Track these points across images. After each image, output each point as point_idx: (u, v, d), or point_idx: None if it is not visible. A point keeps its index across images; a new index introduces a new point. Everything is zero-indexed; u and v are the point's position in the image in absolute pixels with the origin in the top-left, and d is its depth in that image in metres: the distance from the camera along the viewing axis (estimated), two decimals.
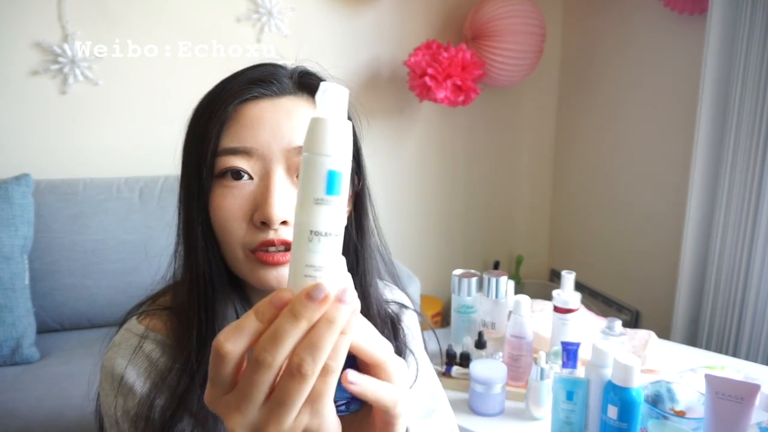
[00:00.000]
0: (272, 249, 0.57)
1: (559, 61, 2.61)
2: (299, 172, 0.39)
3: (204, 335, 0.59)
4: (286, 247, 0.57)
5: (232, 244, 0.58)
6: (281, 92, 0.60)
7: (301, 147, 0.57)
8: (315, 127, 0.37)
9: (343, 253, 0.66)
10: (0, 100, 1.84)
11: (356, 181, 0.66)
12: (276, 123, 0.58)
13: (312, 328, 0.35)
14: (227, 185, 0.58)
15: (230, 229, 0.58)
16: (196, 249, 0.60)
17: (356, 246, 0.66)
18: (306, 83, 0.62)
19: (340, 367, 0.36)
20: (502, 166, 2.66)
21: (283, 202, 0.56)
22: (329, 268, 0.37)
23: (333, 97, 0.37)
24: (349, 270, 0.66)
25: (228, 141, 0.57)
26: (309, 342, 0.35)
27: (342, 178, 0.37)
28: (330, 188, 0.36)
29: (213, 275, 0.60)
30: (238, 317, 0.61)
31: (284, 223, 0.57)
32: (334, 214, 0.37)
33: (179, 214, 0.63)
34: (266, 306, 0.36)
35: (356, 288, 0.65)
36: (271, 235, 0.57)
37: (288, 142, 0.57)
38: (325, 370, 0.36)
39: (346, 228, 0.64)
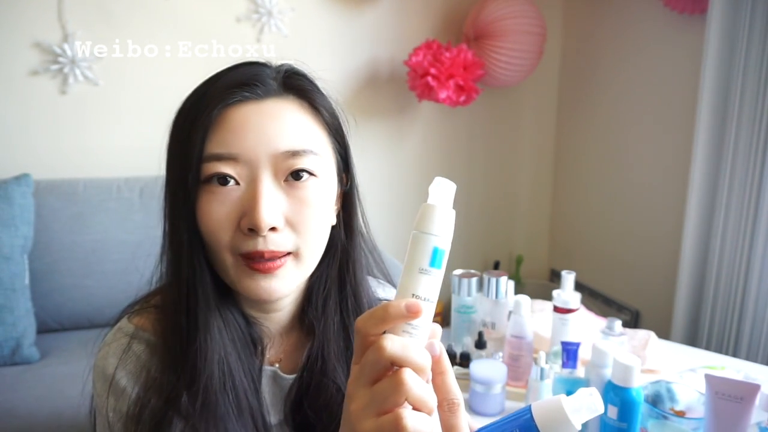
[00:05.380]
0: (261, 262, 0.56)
1: (559, 61, 2.61)
2: (408, 246, 0.45)
3: (186, 341, 0.58)
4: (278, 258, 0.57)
5: (220, 250, 0.57)
6: (266, 95, 0.58)
7: (287, 151, 0.56)
8: (426, 211, 0.44)
9: (332, 252, 0.66)
10: (0, 100, 1.84)
11: (344, 181, 0.65)
12: (261, 127, 0.56)
13: (407, 371, 0.41)
14: (213, 191, 0.56)
15: (218, 236, 0.56)
16: (181, 255, 0.59)
17: (344, 244, 0.66)
18: (292, 84, 0.60)
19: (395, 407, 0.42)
20: (502, 166, 2.65)
21: (271, 207, 0.55)
22: (423, 329, 0.44)
23: (442, 190, 0.45)
24: (339, 269, 0.67)
25: (213, 146, 0.56)
26: (397, 375, 0.41)
27: (444, 256, 0.44)
28: (433, 262, 0.43)
29: (197, 281, 0.59)
30: (224, 322, 0.60)
31: (273, 229, 0.56)
32: (433, 284, 0.44)
33: (164, 218, 0.62)
34: (396, 306, 0.43)
35: (347, 287, 0.66)
36: (260, 245, 0.55)
37: (275, 146, 0.56)
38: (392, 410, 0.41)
39: (335, 227, 0.65)
